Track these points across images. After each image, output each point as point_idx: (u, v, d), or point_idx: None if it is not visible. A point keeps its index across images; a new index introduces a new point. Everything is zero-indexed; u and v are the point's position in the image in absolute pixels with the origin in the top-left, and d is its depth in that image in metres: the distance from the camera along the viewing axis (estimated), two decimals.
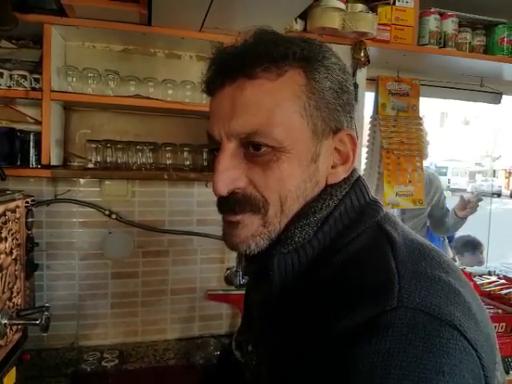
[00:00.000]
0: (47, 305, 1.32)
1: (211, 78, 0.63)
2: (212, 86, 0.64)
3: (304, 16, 1.62)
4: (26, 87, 1.45)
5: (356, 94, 1.83)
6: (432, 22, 1.83)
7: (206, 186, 1.79)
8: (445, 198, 2.88)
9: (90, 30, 1.50)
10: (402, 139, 2.03)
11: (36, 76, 1.47)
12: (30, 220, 1.47)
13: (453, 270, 0.55)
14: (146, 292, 1.76)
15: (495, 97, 2.41)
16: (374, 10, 1.74)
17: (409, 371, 0.43)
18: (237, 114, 0.59)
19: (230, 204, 0.61)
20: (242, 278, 1.72)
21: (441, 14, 1.87)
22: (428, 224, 2.89)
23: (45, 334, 1.39)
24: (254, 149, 0.59)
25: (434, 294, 0.49)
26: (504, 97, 2.44)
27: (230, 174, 0.60)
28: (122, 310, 1.74)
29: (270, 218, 0.60)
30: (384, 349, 0.44)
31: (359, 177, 0.67)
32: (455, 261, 3.50)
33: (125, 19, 1.45)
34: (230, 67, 0.59)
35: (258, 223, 0.61)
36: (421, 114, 2.14)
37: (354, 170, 0.66)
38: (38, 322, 1.29)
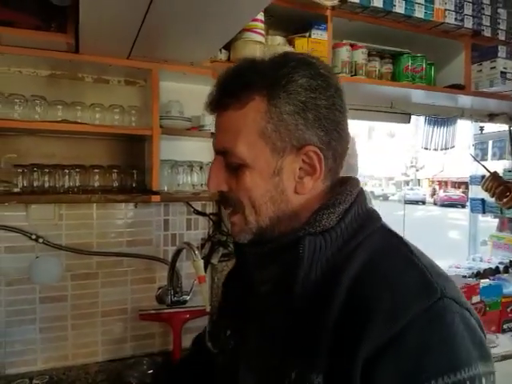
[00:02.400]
0: None
1: (207, 109, 0.76)
2: (209, 111, 0.76)
3: (228, 47, 1.73)
4: None
5: None
6: (344, 52, 2.01)
7: (136, 206, 1.83)
8: None
9: (17, 57, 1.52)
10: None
11: None
12: None
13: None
14: (75, 315, 1.76)
15: (405, 117, 2.64)
16: (291, 42, 1.89)
17: (460, 343, 0.58)
18: (217, 135, 0.74)
19: (220, 200, 0.78)
20: (174, 296, 1.77)
21: (352, 46, 2.05)
22: None
23: None
24: (229, 163, 0.72)
25: (453, 286, 0.64)
26: (413, 117, 2.68)
27: (217, 178, 0.74)
28: (51, 334, 1.73)
29: (248, 217, 0.73)
30: (442, 330, 0.58)
31: (362, 187, 0.77)
32: None
33: (52, 48, 1.47)
34: (213, 101, 0.74)
35: (242, 221, 0.74)
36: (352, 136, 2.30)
37: (358, 180, 0.77)
38: None
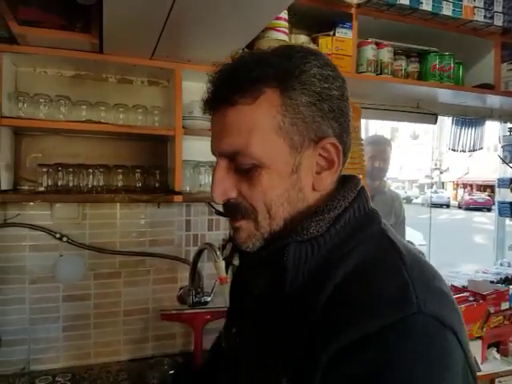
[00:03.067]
0: None
1: (204, 107, 0.71)
2: (207, 110, 0.71)
3: (251, 46, 1.71)
4: None
5: None
6: (369, 51, 1.97)
7: (158, 206, 1.84)
8: (403, 221, 2.83)
9: (42, 57, 1.54)
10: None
11: None
12: None
13: (442, 279, 0.65)
14: (98, 314, 1.78)
15: (431, 118, 2.58)
16: (315, 40, 1.87)
17: (427, 368, 0.53)
18: (222, 136, 0.67)
19: (226, 210, 0.71)
20: (195, 297, 1.77)
21: (377, 44, 2.01)
22: None
23: None
24: (239, 165, 0.67)
25: (441, 304, 0.59)
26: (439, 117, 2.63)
27: (223, 185, 0.68)
28: (74, 332, 1.74)
29: (260, 223, 0.68)
30: (410, 348, 0.54)
31: (363, 186, 0.73)
32: None
33: (76, 47, 1.49)
34: (216, 96, 0.68)
35: (252, 227, 0.69)
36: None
37: (358, 179, 0.73)
38: None
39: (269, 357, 0.67)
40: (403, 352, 0.54)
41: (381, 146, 2.76)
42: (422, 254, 0.71)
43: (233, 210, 0.70)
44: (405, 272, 0.60)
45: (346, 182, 0.72)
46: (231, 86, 0.65)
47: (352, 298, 0.60)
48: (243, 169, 0.67)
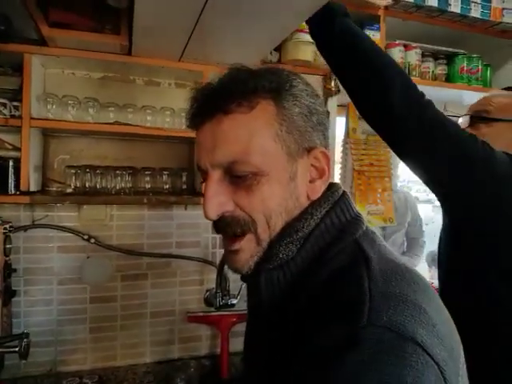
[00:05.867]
0: (27, 332, 1.33)
1: (193, 115, 0.70)
2: (195, 122, 0.70)
3: (278, 48, 1.70)
4: (5, 115, 1.47)
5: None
6: (397, 53, 1.94)
7: (185, 209, 1.83)
8: (420, 218, 2.89)
9: (70, 59, 1.54)
10: (372, 161, 2.13)
11: (15, 104, 1.49)
12: (8, 246, 1.48)
13: (421, 289, 0.59)
14: (124, 316, 1.77)
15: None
16: None
17: (378, 380, 0.48)
18: (217, 145, 0.65)
19: (222, 227, 0.67)
20: (222, 299, 1.75)
21: (405, 46, 1.99)
22: (405, 245, 2.91)
23: (23, 361, 1.38)
24: (236, 174, 0.65)
25: (400, 313, 0.53)
26: None
27: (218, 199, 0.65)
28: (100, 334, 1.74)
29: (260, 235, 0.66)
30: (356, 363, 0.49)
31: (343, 194, 0.72)
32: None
33: (105, 50, 1.49)
34: (208, 105, 0.66)
35: (254, 243, 0.67)
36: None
37: (337, 188, 0.72)
38: (17, 349, 1.30)
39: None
40: (345, 370, 0.49)
41: None
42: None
43: (230, 225, 0.67)
44: (366, 283, 0.57)
45: (328, 190, 0.72)
46: (227, 96, 0.64)
47: (314, 310, 0.59)
48: (240, 178, 0.65)
